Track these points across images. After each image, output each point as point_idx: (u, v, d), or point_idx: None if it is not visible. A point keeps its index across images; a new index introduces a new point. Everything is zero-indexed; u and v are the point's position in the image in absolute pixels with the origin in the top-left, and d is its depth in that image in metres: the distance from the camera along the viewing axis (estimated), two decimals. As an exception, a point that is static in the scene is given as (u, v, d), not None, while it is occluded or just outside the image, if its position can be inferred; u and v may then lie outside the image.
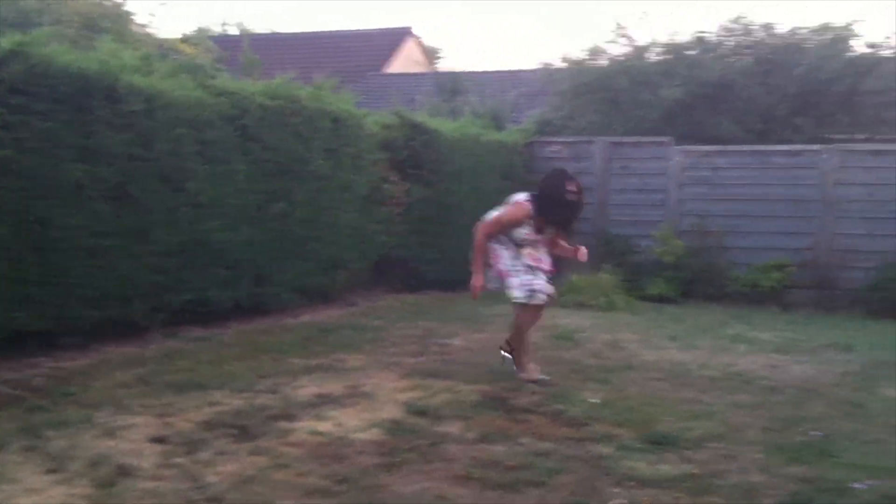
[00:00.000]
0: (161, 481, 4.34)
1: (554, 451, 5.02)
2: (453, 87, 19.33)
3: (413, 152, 11.78)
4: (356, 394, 6.12)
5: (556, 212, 6.50)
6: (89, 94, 7.14)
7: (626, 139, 14.20)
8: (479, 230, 6.70)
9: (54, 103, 6.87)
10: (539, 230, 6.60)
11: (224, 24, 33.45)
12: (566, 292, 11.29)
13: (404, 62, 28.02)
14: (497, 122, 15.25)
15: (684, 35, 17.04)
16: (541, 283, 6.63)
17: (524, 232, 6.56)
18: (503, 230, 6.62)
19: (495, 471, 4.62)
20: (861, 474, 4.70)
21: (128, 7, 17.22)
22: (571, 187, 6.39)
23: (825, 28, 16.28)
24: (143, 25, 19.55)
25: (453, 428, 5.41)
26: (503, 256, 6.65)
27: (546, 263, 6.74)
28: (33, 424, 5.10)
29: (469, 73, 21.11)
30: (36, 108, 6.72)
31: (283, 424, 5.32)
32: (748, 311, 11.54)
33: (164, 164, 7.78)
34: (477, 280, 6.64)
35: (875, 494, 4.42)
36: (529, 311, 6.71)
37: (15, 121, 6.56)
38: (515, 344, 6.80)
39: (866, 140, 16.06)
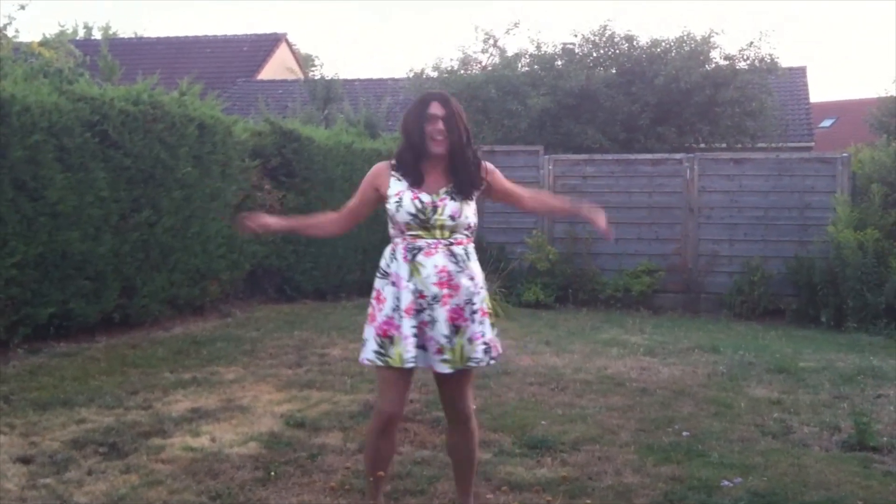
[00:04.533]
0: (27, 503, 4.13)
1: (433, 458, 5.01)
2: (326, 94, 19.22)
3: (285, 160, 11.62)
4: (232, 407, 5.97)
5: (410, 140, 3.85)
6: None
7: (498, 147, 14.41)
8: None
9: None
10: (420, 183, 3.84)
11: (87, 28, 32.23)
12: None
13: (278, 69, 27.67)
14: (371, 130, 15.21)
15: (551, 46, 17.49)
16: (404, 332, 3.75)
17: (403, 200, 3.81)
18: (359, 211, 3.99)
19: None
20: (729, 472, 4.88)
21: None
22: (434, 109, 3.82)
23: (684, 40, 16.95)
24: (1, 28, 18.67)
25: (332, 439, 5.34)
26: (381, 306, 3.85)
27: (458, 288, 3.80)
28: None
29: (343, 80, 21.03)
30: None
31: (156, 441, 5.15)
32: (620, 316, 11.85)
33: (19, 171, 7.41)
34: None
35: (743, 491, 4.58)
36: (378, 394, 3.98)
37: None
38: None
39: (726, 148, 16.83)
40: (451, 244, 3.82)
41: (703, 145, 17.04)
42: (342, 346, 8.42)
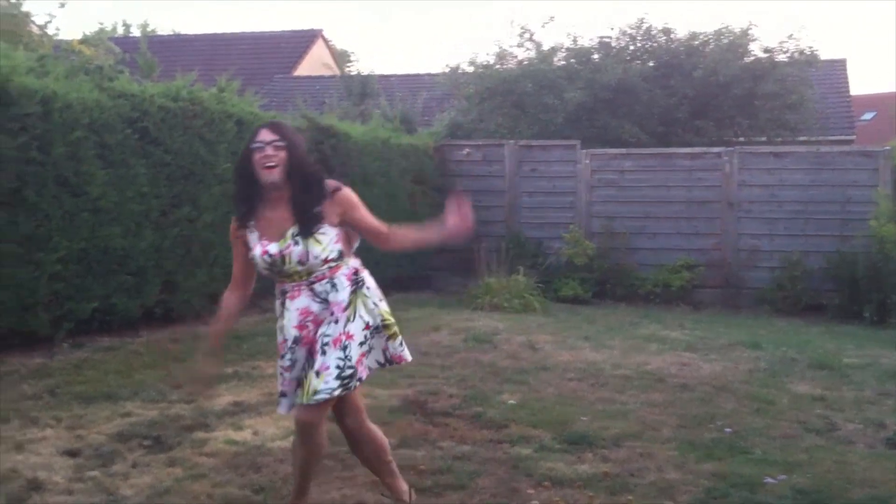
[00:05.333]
0: (74, 495, 4.21)
1: (473, 453, 5.01)
2: (362, 90, 19.25)
3: (322, 156, 11.65)
4: (273, 402, 5.93)
5: (242, 172, 3.71)
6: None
7: (534, 142, 14.37)
8: None
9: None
10: (257, 217, 3.75)
11: (126, 25, 32.60)
12: (481, 294, 11.33)
13: (314, 65, 27.78)
14: (407, 126, 15.22)
15: (588, 39, 17.39)
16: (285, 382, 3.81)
17: (255, 256, 3.75)
18: (248, 271, 3.89)
19: (415, 475, 4.58)
20: (772, 469, 4.83)
21: (25, 8, 16.52)
22: (262, 135, 3.63)
23: (723, 33, 16.77)
24: (42, 26, 18.89)
25: (372, 433, 5.34)
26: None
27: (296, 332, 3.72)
28: (-71, 444, 4.87)
29: (379, 76, 21.07)
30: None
31: (199, 434, 5.20)
32: (659, 311, 11.77)
33: (62, 168, 7.51)
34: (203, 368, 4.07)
35: (786, 488, 4.53)
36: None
37: None
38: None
39: (766, 142, 16.65)
40: (313, 283, 3.71)
41: (742, 139, 16.86)
42: (380, 342, 8.42)
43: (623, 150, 13.98)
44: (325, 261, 3.68)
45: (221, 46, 28.14)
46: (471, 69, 17.44)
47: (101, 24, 33.02)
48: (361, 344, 3.69)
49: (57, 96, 7.53)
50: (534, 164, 13.92)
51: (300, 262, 3.66)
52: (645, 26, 17.21)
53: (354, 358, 3.65)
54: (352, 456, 4.89)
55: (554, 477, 4.63)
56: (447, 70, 18.08)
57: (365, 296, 3.77)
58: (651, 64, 16.89)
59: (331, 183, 3.73)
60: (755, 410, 6.17)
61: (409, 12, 78.30)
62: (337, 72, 26.35)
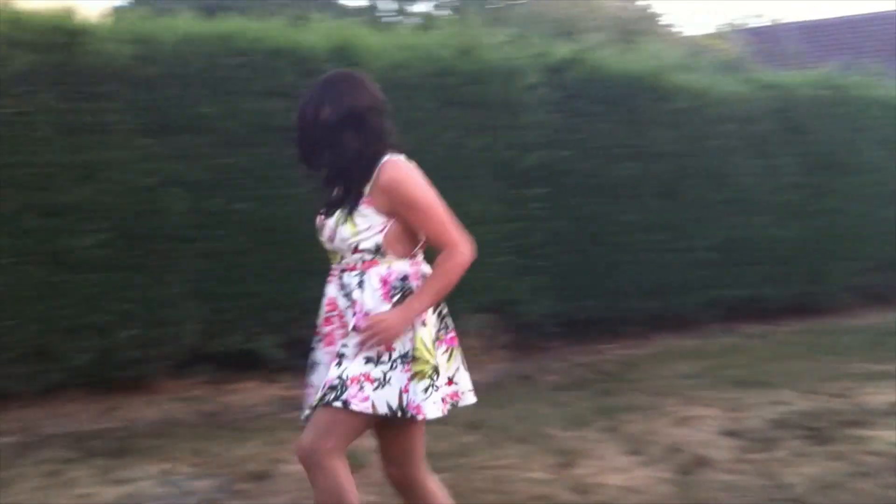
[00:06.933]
0: (738, 475, 4.32)
1: None
2: None
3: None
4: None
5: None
6: (638, 94, 7.46)
7: None
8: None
9: (608, 105, 7.27)
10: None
11: (753, 16, 32.91)
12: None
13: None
14: None
15: None
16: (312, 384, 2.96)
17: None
18: None
19: None
20: None
21: (654, 9, 17.64)
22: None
23: None
24: (668, 26, 19.88)
25: None
26: None
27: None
28: (607, 406, 5.44)
29: None
30: (592, 110, 7.19)
31: (858, 431, 5.00)
32: None
33: (711, 160, 7.86)
34: None
35: None
36: None
37: (574, 123, 7.06)
38: None
39: None
40: (344, 270, 2.87)
41: None
42: None
43: None
44: (356, 249, 2.84)
45: (858, 28, 26.77)
46: None
47: (728, 18, 33.73)
48: (368, 361, 2.76)
49: (707, 91, 7.89)
50: None
51: (329, 240, 2.87)
52: None
53: (352, 372, 2.75)
54: None
55: None
56: None
57: None
58: None
59: (389, 163, 2.79)
60: None
61: None
62: None
